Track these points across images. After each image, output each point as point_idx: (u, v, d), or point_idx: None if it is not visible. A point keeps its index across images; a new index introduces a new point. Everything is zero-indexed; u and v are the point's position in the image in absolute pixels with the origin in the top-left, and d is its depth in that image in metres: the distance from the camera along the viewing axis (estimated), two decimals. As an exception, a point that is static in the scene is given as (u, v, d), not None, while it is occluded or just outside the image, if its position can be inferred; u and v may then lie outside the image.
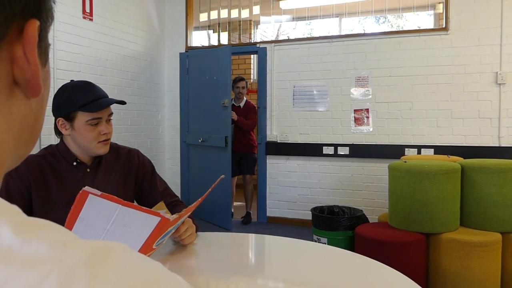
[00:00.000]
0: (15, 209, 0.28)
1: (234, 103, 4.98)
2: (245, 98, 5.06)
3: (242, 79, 5.01)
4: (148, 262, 0.26)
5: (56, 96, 1.48)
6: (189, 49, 5.43)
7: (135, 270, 0.25)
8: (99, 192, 1.03)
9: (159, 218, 1.11)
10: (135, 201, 1.64)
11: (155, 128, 5.32)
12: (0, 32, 0.32)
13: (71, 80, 1.54)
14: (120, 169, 1.61)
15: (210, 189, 1.36)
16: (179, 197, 5.72)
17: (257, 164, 5.13)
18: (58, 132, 1.51)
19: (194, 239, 1.49)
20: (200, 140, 4.99)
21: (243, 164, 5.04)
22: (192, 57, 5.28)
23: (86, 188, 1.02)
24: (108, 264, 0.24)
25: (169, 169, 5.56)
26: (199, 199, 1.35)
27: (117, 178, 1.60)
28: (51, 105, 1.49)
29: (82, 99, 1.45)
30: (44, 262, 0.23)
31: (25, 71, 0.34)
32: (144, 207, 1.11)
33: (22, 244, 0.24)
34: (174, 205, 1.66)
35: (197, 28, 5.57)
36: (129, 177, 1.63)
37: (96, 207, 1.05)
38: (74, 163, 1.50)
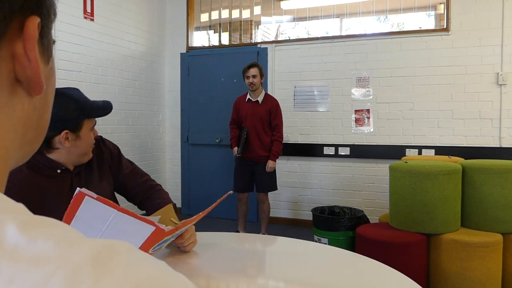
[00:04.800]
0: (20, 207, 0.28)
1: (251, 98, 4.03)
2: (263, 91, 4.08)
3: (252, 65, 3.95)
4: (153, 261, 0.27)
5: (61, 108, 1.34)
6: (190, 49, 5.44)
7: (141, 268, 0.25)
8: (95, 195, 1.03)
9: (153, 228, 1.10)
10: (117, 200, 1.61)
11: (156, 128, 5.32)
12: (0, 30, 0.32)
13: (57, 89, 1.46)
14: (96, 163, 1.55)
15: (214, 205, 1.33)
16: (180, 195, 5.66)
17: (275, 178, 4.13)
18: (49, 147, 1.38)
19: (195, 245, 1.49)
20: (217, 140, 5.03)
21: (258, 178, 4.00)
22: (193, 57, 5.28)
23: (83, 189, 1.02)
24: (114, 263, 0.24)
25: (170, 169, 5.56)
26: (201, 214, 1.34)
27: (97, 174, 1.54)
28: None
29: (87, 106, 1.39)
30: (50, 260, 0.23)
31: (26, 69, 0.34)
32: (140, 215, 1.10)
33: (28, 242, 0.24)
34: (148, 189, 1.61)
35: (198, 28, 5.57)
36: (104, 169, 1.57)
37: (92, 209, 1.05)
38: (58, 171, 1.43)
